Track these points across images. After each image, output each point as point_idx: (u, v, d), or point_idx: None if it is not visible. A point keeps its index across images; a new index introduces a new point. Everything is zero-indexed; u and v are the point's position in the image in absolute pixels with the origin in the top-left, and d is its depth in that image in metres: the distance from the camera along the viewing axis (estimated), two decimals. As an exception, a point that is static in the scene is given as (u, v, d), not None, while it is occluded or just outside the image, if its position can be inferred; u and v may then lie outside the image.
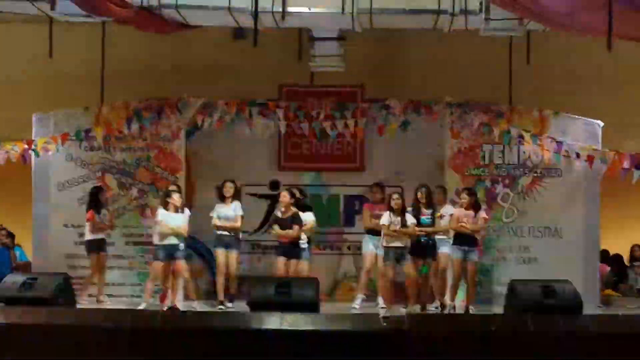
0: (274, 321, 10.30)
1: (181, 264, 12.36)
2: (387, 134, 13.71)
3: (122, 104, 13.65)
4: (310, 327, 10.25)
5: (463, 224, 12.27)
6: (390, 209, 12.29)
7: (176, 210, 12.41)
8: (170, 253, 12.32)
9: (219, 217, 12.69)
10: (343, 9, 12.43)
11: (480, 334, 10.30)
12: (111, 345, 10.15)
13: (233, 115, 13.69)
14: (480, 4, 12.21)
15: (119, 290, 13.19)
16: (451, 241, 12.47)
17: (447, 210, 12.78)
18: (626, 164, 13.05)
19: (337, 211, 13.92)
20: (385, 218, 12.28)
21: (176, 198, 12.46)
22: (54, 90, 14.84)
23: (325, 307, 11.48)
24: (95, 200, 12.97)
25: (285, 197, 12.65)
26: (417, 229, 12.40)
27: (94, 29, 13.84)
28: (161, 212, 12.40)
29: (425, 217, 12.49)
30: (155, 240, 12.43)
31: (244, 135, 13.81)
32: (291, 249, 12.50)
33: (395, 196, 12.37)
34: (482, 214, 12.44)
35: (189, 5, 12.52)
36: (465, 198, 12.38)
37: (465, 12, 12.38)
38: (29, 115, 13.74)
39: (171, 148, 13.64)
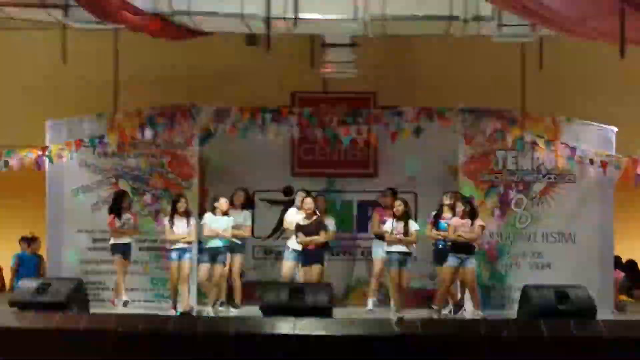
0: (286, 326, 10.31)
1: (219, 268, 12.64)
2: (400, 140, 13.70)
3: (136, 110, 13.66)
4: (323, 332, 10.26)
5: (460, 234, 12.26)
6: (394, 216, 12.36)
7: (223, 214, 12.66)
8: (213, 256, 12.62)
9: None
10: (355, 15, 12.45)
11: (493, 339, 10.28)
12: (124, 350, 10.17)
13: (246, 121, 13.66)
14: (493, 10, 12.23)
15: (132, 296, 13.12)
16: None
17: None
18: (640, 170, 13.02)
19: (351, 217, 13.93)
20: (388, 224, 12.44)
21: (222, 202, 12.73)
22: (68, 97, 14.89)
23: (338, 312, 11.46)
24: (117, 205, 13.00)
25: (309, 204, 12.67)
26: (434, 232, 12.57)
27: (107, 36, 13.88)
28: (208, 215, 12.73)
29: (445, 221, 12.54)
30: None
31: (257, 142, 13.77)
32: (315, 255, 12.51)
33: (397, 203, 12.55)
34: (478, 222, 12.41)
35: (202, 12, 12.57)
36: (460, 207, 12.37)
37: (478, 18, 12.39)
38: (43, 121, 13.77)
39: (184, 154, 13.63)
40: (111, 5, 11.62)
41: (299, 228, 12.64)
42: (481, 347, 10.24)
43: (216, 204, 12.78)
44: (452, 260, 12.29)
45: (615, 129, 13.45)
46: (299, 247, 12.60)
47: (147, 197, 13.58)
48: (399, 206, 12.48)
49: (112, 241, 12.92)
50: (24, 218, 14.87)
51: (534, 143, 13.35)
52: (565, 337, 10.26)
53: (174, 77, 14.90)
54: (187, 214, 12.84)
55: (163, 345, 10.22)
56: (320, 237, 12.56)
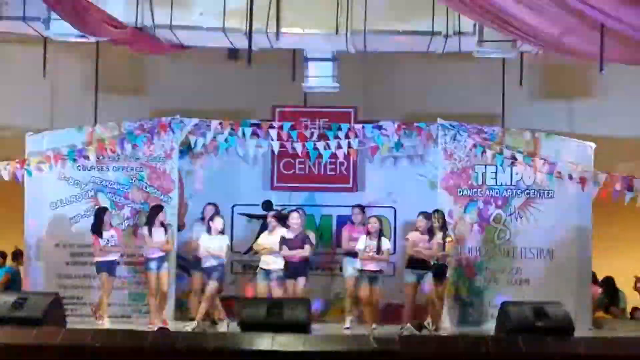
0: (265, 342, 10.28)
1: (212, 285, 12.52)
2: (380, 154, 13.75)
3: (116, 123, 13.65)
4: (301, 348, 10.23)
5: (419, 250, 12.32)
6: (368, 233, 12.33)
7: (218, 233, 12.61)
8: (208, 274, 12.56)
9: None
10: (337, 30, 12.50)
11: (471, 355, 10.28)
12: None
13: (226, 135, 13.69)
14: (474, 26, 12.30)
15: (110, 311, 13.10)
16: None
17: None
18: (618, 186, 13.05)
19: (330, 232, 13.91)
20: (361, 242, 12.39)
21: (218, 221, 12.65)
22: (48, 110, 14.84)
23: (317, 328, 11.44)
24: (98, 223, 12.82)
25: (296, 219, 12.71)
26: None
27: (88, 48, 13.86)
28: (203, 236, 12.66)
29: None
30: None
31: (237, 156, 13.86)
32: (299, 268, 12.55)
33: (372, 220, 12.47)
34: (437, 239, 12.42)
35: (184, 26, 12.61)
36: (421, 222, 12.41)
37: (459, 33, 12.47)
38: (22, 134, 13.72)
39: (164, 168, 13.63)
40: (93, 18, 11.64)
41: (283, 242, 12.64)
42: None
43: (211, 223, 12.68)
44: (410, 276, 12.34)
45: (594, 145, 13.50)
46: (271, 267, 12.59)
47: (126, 211, 13.56)
48: (374, 224, 12.43)
49: (96, 259, 12.76)
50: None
51: (514, 158, 13.40)
52: (542, 353, 10.26)
53: (154, 91, 14.88)
54: (164, 225, 12.84)
55: (141, 361, 10.16)
56: (305, 251, 12.57)
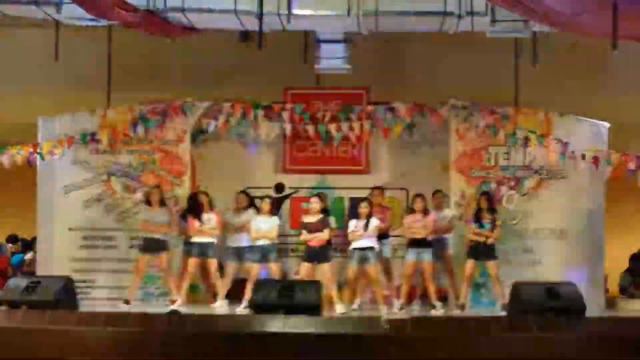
0: (276, 324, 10.33)
1: (274, 267, 12.70)
2: (393, 136, 13.72)
3: (128, 107, 13.68)
4: (312, 330, 10.28)
5: (414, 231, 12.56)
6: (357, 216, 12.52)
7: (268, 214, 12.75)
8: (263, 254, 12.67)
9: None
10: (349, 11, 12.47)
11: (483, 336, 10.30)
12: (113, 349, 10.19)
13: (238, 118, 13.69)
14: (486, 6, 12.22)
15: (121, 294, 13.15)
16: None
17: (446, 214, 13.12)
18: (632, 165, 12.98)
19: (342, 214, 13.83)
20: (351, 224, 12.54)
21: (267, 204, 12.76)
22: (60, 94, 14.88)
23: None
24: (193, 207, 12.93)
25: (316, 203, 12.73)
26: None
27: (100, 32, 13.86)
28: (253, 217, 12.79)
29: (486, 222, 12.66)
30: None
31: (249, 138, 13.90)
32: (320, 253, 12.53)
33: (363, 204, 12.58)
34: (430, 216, 12.63)
35: (196, 9, 12.58)
36: (418, 203, 12.60)
37: (472, 13, 12.39)
38: (35, 119, 13.77)
39: (176, 151, 13.66)
40: (105, 2, 11.62)
41: (303, 226, 12.68)
42: (471, 345, 10.24)
43: (260, 205, 12.88)
44: (409, 255, 12.57)
45: (608, 125, 13.43)
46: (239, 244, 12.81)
47: (139, 195, 13.55)
48: (364, 208, 12.53)
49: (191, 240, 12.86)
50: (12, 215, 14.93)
51: (526, 139, 13.35)
52: (554, 334, 10.27)
53: (166, 74, 14.88)
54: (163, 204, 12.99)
55: (152, 344, 10.23)
56: (324, 235, 12.56)
